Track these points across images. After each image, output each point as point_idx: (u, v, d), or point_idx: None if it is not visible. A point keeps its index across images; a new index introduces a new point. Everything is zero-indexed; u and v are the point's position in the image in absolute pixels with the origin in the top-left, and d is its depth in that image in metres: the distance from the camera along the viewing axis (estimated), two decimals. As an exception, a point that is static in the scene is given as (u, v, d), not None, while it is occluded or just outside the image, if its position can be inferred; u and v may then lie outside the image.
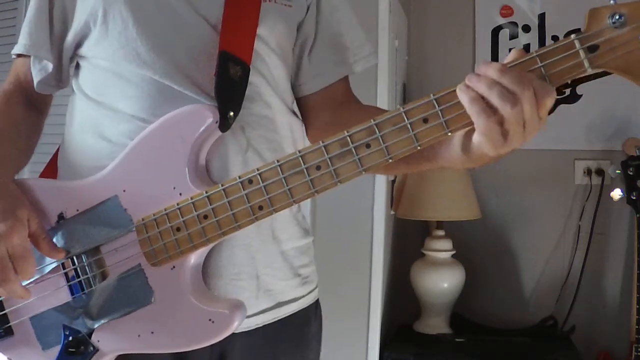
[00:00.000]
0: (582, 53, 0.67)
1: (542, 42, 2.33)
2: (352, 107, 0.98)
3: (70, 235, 0.85)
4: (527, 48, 2.34)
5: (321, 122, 0.98)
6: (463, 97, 0.68)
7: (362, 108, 0.99)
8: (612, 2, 0.67)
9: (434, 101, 0.70)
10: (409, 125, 0.71)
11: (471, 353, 2.01)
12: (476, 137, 0.70)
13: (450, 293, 2.17)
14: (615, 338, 2.20)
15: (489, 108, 0.67)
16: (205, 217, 0.79)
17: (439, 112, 0.70)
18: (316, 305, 1.01)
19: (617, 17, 0.66)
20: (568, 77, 0.68)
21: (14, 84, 0.96)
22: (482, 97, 0.67)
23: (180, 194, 0.81)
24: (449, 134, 0.71)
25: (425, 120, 0.71)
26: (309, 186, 0.76)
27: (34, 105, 0.97)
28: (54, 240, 0.85)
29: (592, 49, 0.66)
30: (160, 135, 0.84)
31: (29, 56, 0.94)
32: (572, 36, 0.67)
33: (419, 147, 0.71)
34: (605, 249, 2.27)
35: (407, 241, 2.37)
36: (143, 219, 0.82)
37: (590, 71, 0.67)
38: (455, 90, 0.69)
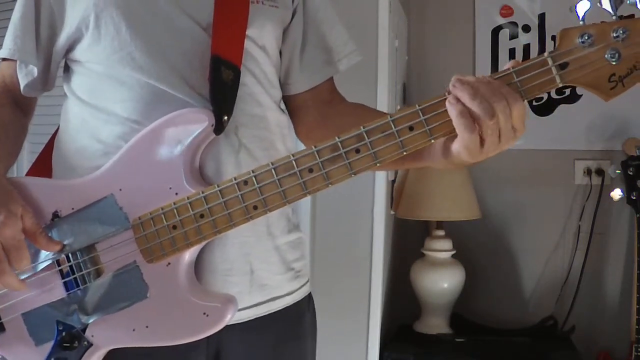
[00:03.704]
0: (554, 70, 0.73)
1: (542, 42, 2.33)
2: (337, 105, 1.02)
3: (65, 233, 0.86)
4: (527, 48, 2.35)
5: (309, 120, 1.01)
6: (452, 110, 0.73)
7: (347, 106, 1.02)
8: (581, 22, 0.73)
9: (419, 111, 0.76)
10: (396, 133, 0.76)
11: (471, 353, 2.01)
12: (455, 147, 0.75)
13: (450, 293, 2.17)
14: (615, 338, 2.20)
15: (473, 123, 0.72)
16: (202, 216, 0.82)
17: (424, 121, 0.76)
18: (308, 298, 1.03)
19: (586, 37, 0.72)
20: (542, 91, 0.74)
21: (0, 87, 0.97)
22: (468, 111, 0.72)
23: (177, 194, 0.83)
24: (432, 140, 0.76)
25: (411, 128, 0.76)
26: (302, 187, 0.79)
27: (19, 107, 0.98)
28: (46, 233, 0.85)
29: (563, 66, 0.73)
30: (157, 136, 0.85)
31: (14, 60, 0.94)
32: (545, 54, 0.73)
33: (405, 153, 0.77)
34: (605, 249, 2.28)
35: (407, 241, 2.37)
36: (140, 218, 0.84)
37: (560, 85, 0.74)
38: (439, 101, 0.75)
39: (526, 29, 2.35)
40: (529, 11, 2.34)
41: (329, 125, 0.92)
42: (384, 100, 1.92)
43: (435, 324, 2.18)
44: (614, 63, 0.72)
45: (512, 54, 2.35)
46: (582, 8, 0.73)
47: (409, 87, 2.44)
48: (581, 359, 2.02)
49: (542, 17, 2.33)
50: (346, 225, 1.95)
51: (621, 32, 0.71)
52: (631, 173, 2.10)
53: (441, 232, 2.21)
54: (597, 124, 2.29)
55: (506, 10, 2.37)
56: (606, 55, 0.72)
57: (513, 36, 2.37)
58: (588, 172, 2.29)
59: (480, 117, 0.71)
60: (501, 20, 2.37)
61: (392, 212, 2.21)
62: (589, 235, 2.25)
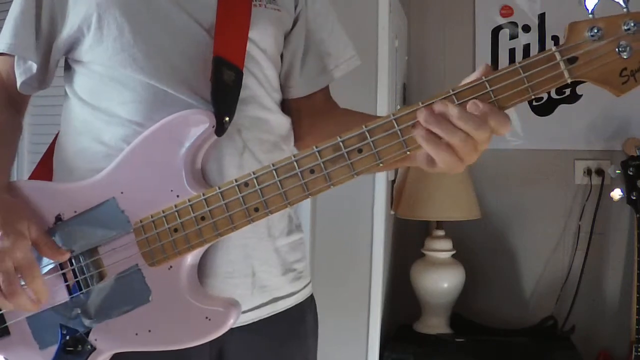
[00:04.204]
0: (562, 64, 0.71)
1: (542, 42, 2.33)
2: (327, 114, 1.01)
3: (67, 236, 0.86)
4: (527, 48, 2.35)
5: (300, 128, 1.01)
6: (417, 137, 0.72)
7: (337, 114, 1.02)
8: (590, 16, 0.71)
9: (423, 109, 0.73)
10: (398, 132, 0.75)
11: (471, 353, 2.02)
12: (436, 163, 0.75)
13: (450, 293, 2.17)
14: (615, 338, 2.20)
15: (445, 145, 0.71)
16: (203, 218, 0.81)
17: None
18: (311, 299, 1.03)
19: (595, 30, 0.70)
20: (549, 87, 0.72)
21: None
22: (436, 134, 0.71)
23: (178, 196, 0.83)
24: None
25: (414, 126, 0.74)
26: (303, 189, 0.78)
27: (14, 106, 0.96)
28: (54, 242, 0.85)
29: (571, 61, 0.71)
30: (157, 139, 0.85)
31: (11, 55, 0.93)
32: (553, 48, 0.71)
33: (408, 152, 0.75)
34: (605, 249, 2.28)
35: (407, 241, 2.37)
36: (141, 221, 0.83)
37: (569, 81, 0.71)
38: (443, 99, 0.73)
39: (526, 29, 2.35)
40: (529, 11, 2.34)
41: (320, 133, 0.93)
42: (384, 100, 1.92)
43: (435, 324, 2.18)
44: (625, 57, 0.69)
45: (512, 54, 2.35)
46: (592, 1, 0.70)
47: (409, 87, 2.44)
48: (581, 359, 2.02)
49: (542, 17, 2.33)
50: (346, 225, 1.94)
51: (632, 24, 0.69)
52: (631, 173, 2.10)
53: (441, 232, 2.21)
54: (597, 124, 2.29)
55: (506, 10, 2.37)
56: (617, 49, 0.69)
57: (513, 36, 2.37)
58: (588, 172, 2.29)
59: (450, 141, 0.71)
60: (501, 20, 2.37)
61: (392, 212, 2.21)
62: (589, 235, 2.25)
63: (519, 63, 0.71)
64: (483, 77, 0.72)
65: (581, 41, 0.70)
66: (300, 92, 1.01)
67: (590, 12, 0.71)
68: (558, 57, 0.71)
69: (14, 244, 0.79)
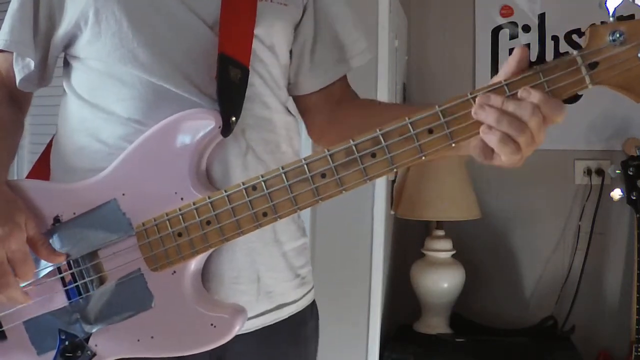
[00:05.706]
0: (583, 70, 0.69)
1: (542, 42, 2.33)
2: (348, 104, 0.99)
3: (66, 238, 0.83)
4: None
5: (320, 122, 0.99)
6: (491, 138, 0.70)
7: (357, 105, 0.99)
8: (611, 19, 0.69)
9: (440, 112, 0.72)
10: (414, 136, 0.72)
11: (471, 353, 2.01)
12: (497, 163, 0.73)
13: (450, 293, 2.17)
14: (615, 338, 2.20)
15: (517, 146, 0.69)
16: (208, 222, 0.79)
17: (444, 123, 0.72)
18: (312, 305, 1.01)
19: (617, 35, 0.68)
20: (570, 93, 0.70)
21: None
22: (508, 135, 0.69)
23: (182, 199, 0.81)
24: (454, 145, 0.72)
25: (430, 131, 0.72)
26: (314, 194, 0.76)
27: (15, 103, 0.94)
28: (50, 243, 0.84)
29: (592, 66, 0.69)
30: (161, 138, 0.83)
31: (10, 52, 0.91)
32: (574, 52, 0.69)
33: (423, 158, 0.73)
34: (605, 249, 2.28)
35: (407, 241, 2.37)
36: (144, 224, 0.81)
37: (590, 87, 0.70)
38: (460, 103, 0.71)
39: (526, 29, 2.34)
40: (529, 11, 2.33)
41: (343, 125, 0.90)
42: (383, 100, 1.91)
43: (435, 324, 2.18)
44: None
45: (512, 54, 2.34)
46: (613, 4, 0.68)
47: (409, 87, 2.43)
48: (581, 359, 2.02)
49: (542, 17, 2.33)
50: (346, 225, 1.93)
51: None
52: (631, 173, 2.10)
53: (441, 232, 2.21)
54: (597, 124, 2.28)
55: (506, 10, 2.36)
56: (639, 55, 0.68)
57: (513, 36, 2.36)
58: (588, 172, 2.29)
59: (513, 136, 0.69)
60: (501, 20, 2.37)
61: (392, 212, 2.20)
62: (589, 235, 2.25)
63: (540, 67, 0.69)
64: (502, 81, 0.70)
65: (603, 46, 0.68)
66: (313, 86, 0.98)
67: (611, 15, 0.69)
68: (579, 61, 0.69)
69: (9, 235, 0.77)
